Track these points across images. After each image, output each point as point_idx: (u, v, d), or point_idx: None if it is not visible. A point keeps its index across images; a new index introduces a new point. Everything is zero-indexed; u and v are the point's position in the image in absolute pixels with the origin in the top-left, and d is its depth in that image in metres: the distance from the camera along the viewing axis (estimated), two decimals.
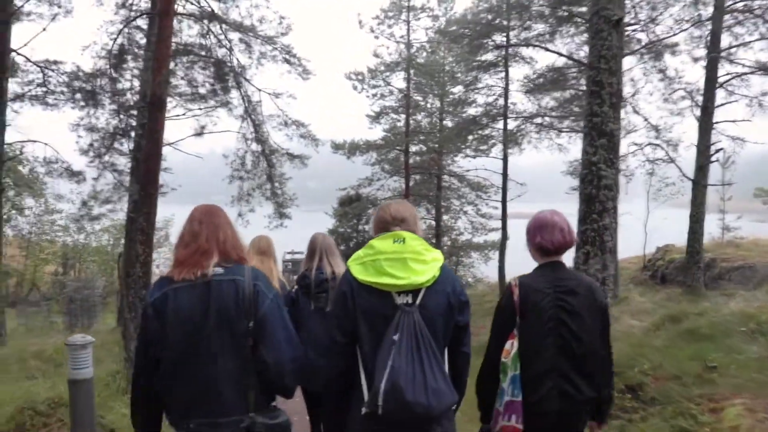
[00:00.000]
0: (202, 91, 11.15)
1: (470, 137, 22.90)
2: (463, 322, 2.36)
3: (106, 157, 11.88)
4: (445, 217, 28.08)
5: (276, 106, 13.29)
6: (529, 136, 20.10)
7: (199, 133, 11.85)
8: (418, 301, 2.23)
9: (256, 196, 12.72)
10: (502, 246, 21.59)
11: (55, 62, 13.68)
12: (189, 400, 2.22)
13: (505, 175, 21.79)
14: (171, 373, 2.22)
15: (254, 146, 12.33)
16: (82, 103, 11.93)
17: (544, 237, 2.68)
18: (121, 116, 11.62)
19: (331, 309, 2.42)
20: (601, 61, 6.14)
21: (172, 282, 2.25)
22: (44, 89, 13.30)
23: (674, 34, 13.04)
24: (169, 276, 2.28)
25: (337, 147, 25.69)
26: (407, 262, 2.23)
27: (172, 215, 22.64)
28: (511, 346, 2.58)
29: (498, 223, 23.15)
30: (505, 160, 21.67)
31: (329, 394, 2.53)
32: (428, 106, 27.48)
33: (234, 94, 11.58)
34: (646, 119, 15.15)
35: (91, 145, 11.88)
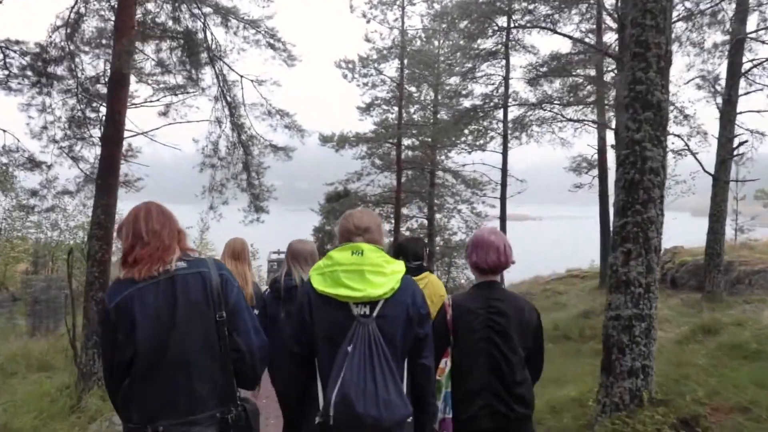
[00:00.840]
0: (169, 65, 9.92)
1: (466, 130, 21.69)
2: (423, 334, 2.34)
3: (64, 143, 10.63)
4: (438, 216, 27.01)
5: (259, 94, 12.11)
6: (530, 128, 18.85)
7: (165, 113, 10.59)
8: (375, 313, 2.22)
9: (230, 187, 11.51)
10: None
11: (17, 42, 12.41)
12: (160, 402, 2.13)
13: (504, 170, 20.46)
14: (142, 376, 2.14)
15: (229, 131, 11.07)
16: (34, 80, 10.62)
17: (479, 256, 2.75)
18: (80, 96, 10.36)
19: (291, 319, 2.40)
20: (647, 16, 4.96)
21: (134, 283, 2.17)
22: (5, 72, 12.09)
23: (700, 11, 11.89)
24: (128, 277, 2.19)
25: (325, 140, 24.53)
26: (365, 274, 2.23)
27: None
28: (445, 364, 2.65)
29: (494, 223, 22.08)
30: (504, 153, 20.36)
31: (289, 401, 2.75)
32: (422, 97, 26.36)
33: (207, 71, 10.35)
34: (673, 104, 13.91)
35: (44, 127, 10.61)
